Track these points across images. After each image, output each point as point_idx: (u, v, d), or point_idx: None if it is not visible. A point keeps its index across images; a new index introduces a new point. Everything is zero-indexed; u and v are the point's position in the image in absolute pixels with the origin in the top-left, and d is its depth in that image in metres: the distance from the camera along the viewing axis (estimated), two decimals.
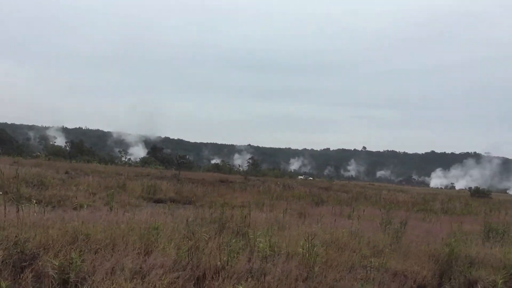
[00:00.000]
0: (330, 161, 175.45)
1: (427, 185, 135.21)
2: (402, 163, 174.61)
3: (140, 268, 6.80)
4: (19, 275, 6.25)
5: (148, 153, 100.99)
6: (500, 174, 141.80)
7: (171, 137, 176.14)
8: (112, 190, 16.54)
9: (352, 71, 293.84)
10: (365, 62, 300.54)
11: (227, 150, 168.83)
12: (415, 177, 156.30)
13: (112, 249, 7.69)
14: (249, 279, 6.76)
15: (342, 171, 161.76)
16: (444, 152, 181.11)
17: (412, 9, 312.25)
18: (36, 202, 9.96)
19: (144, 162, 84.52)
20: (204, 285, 6.72)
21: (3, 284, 5.84)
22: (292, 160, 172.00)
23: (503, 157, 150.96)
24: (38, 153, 74.79)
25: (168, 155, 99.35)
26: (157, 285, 6.31)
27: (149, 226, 8.65)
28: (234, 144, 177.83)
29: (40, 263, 6.51)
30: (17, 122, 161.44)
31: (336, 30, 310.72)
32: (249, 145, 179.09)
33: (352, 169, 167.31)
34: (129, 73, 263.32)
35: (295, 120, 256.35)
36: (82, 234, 8.12)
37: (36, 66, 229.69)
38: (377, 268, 9.19)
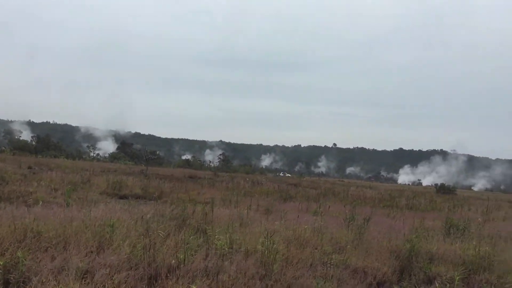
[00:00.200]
0: (301, 157, 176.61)
1: (395, 181, 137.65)
2: (371, 160, 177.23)
3: (91, 267, 6.54)
4: None
5: (117, 149, 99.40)
6: (466, 171, 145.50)
7: (142, 133, 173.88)
8: (69, 186, 16.06)
9: (323, 69, 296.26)
10: (337, 60, 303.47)
11: (199, 146, 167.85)
12: (383, 173, 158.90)
13: (63, 248, 7.40)
14: (204, 278, 6.59)
15: (312, 168, 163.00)
16: (412, 149, 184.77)
17: (385, 7, 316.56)
18: None
19: (113, 157, 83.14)
20: (157, 284, 6.51)
21: None
22: (263, 157, 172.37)
23: (468, 155, 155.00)
24: (3, 148, 72.45)
25: (138, 150, 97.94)
26: (106, 285, 6.08)
27: (104, 223, 8.37)
28: (206, 140, 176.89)
29: None
30: None
31: (309, 28, 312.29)
32: (221, 141, 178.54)
33: (322, 165, 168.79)
34: (100, 67, 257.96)
35: (267, 116, 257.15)
36: (33, 231, 7.80)
37: (1, 58, 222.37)
38: (338, 265, 9.16)
